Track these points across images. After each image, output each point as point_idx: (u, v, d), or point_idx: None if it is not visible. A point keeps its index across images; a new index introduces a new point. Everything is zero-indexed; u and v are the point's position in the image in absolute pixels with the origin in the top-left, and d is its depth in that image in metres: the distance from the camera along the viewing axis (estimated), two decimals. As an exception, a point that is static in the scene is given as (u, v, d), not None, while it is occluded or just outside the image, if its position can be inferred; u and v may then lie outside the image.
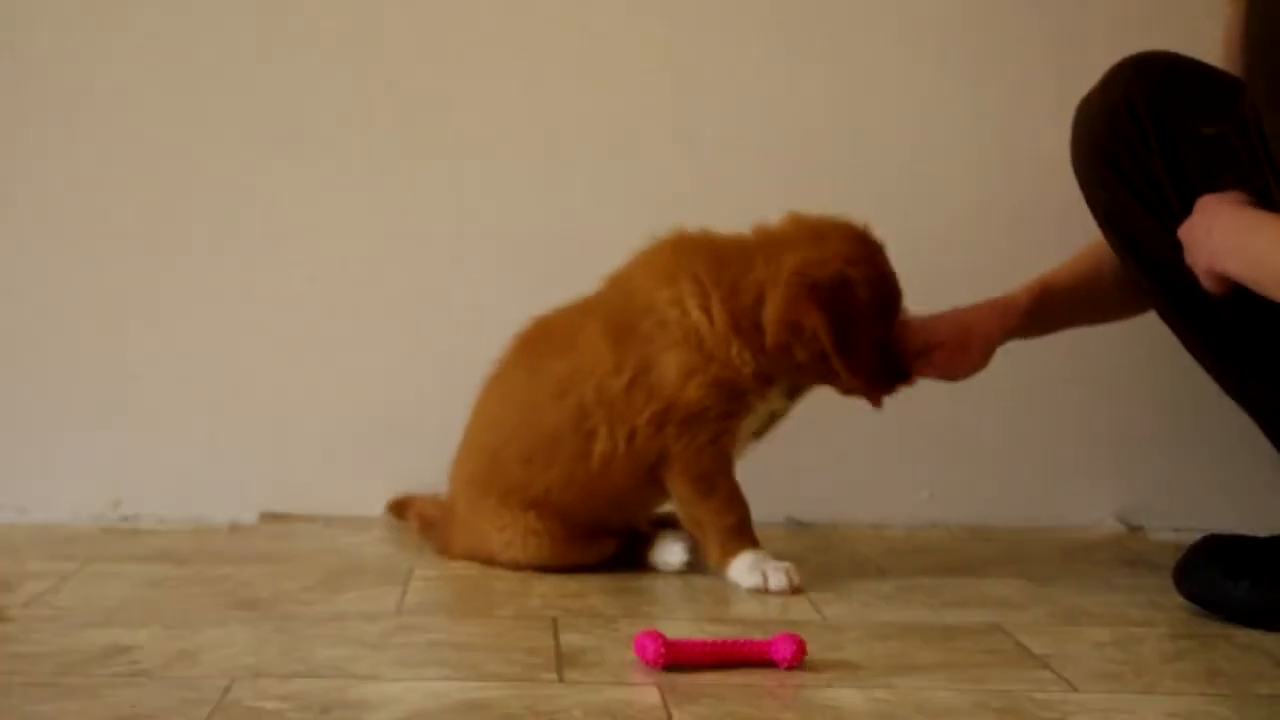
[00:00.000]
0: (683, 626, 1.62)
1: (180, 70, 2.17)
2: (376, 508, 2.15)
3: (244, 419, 2.20)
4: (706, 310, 1.85)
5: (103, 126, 2.17)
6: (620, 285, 1.92)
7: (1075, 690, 1.44)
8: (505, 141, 2.21)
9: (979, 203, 2.24)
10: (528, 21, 2.21)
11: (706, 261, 1.87)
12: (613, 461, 1.87)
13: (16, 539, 2.03)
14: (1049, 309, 1.92)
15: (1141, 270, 1.80)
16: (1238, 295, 1.70)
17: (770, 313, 1.83)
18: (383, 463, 2.17)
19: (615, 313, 1.89)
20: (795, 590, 1.80)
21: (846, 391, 1.90)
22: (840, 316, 1.81)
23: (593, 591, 1.79)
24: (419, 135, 2.20)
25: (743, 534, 1.85)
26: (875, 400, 1.91)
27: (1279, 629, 1.66)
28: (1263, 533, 1.76)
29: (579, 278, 2.12)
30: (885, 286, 1.87)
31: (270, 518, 2.17)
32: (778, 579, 1.80)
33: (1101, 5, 2.23)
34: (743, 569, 1.82)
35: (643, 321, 1.87)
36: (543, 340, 1.95)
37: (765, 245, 1.87)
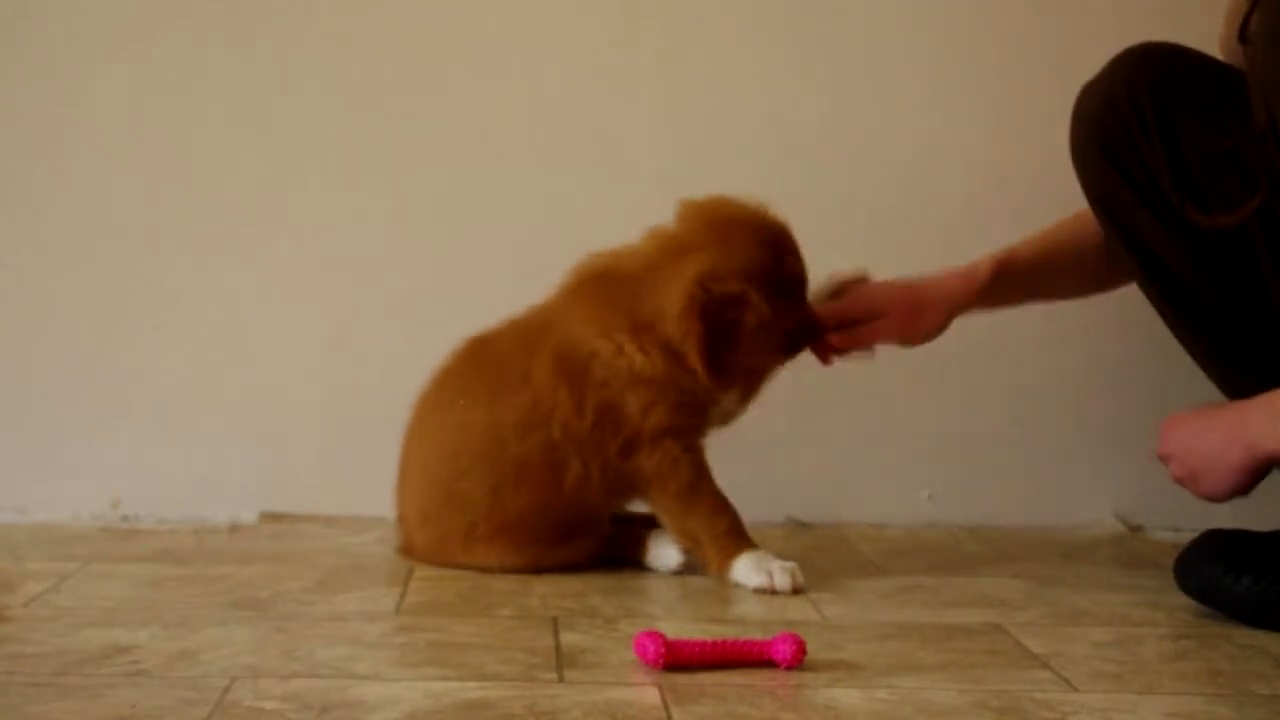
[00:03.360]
0: (683, 626, 1.62)
1: (181, 72, 2.18)
2: (377, 508, 2.14)
3: (244, 419, 2.20)
4: (645, 352, 1.85)
5: (103, 127, 2.18)
6: (559, 325, 1.91)
7: (1075, 690, 1.44)
8: (505, 143, 2.21)
9: (977, 201, 2.24)
10: (525, 22, 2.21)
11: (629, 301, 1.87)
12: (586, 486, 1.87)
13: (16, 539, 2.03)
14: (1012, 281, 1.93)
15: (1135, 260, 1.80)
16: (1229, 289, 1.71)
17: (669, 324, 1.83)
18: (383, 463, 2.16)
19: (564, 352, 1.88)
20: (798, 590, 1.80)
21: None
22: (717, 336, 1.81)
23: (593, 591, 1.79)
24: (420, 136, 2.20)
25: (738, 536, 1.85)
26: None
27: (1278, 627, 1.66)
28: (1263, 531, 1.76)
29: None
30: (789, 281, 1.86)
31: (270, 518, 2.17)
32: (783, 579, 1.80)
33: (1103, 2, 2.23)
34: (747, 569, 1.82)
35: (592, 365, 1.87)
36: (493, 368, 1.93)
37: (668, 255, 1.87)
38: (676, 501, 1.86)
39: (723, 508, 1.86)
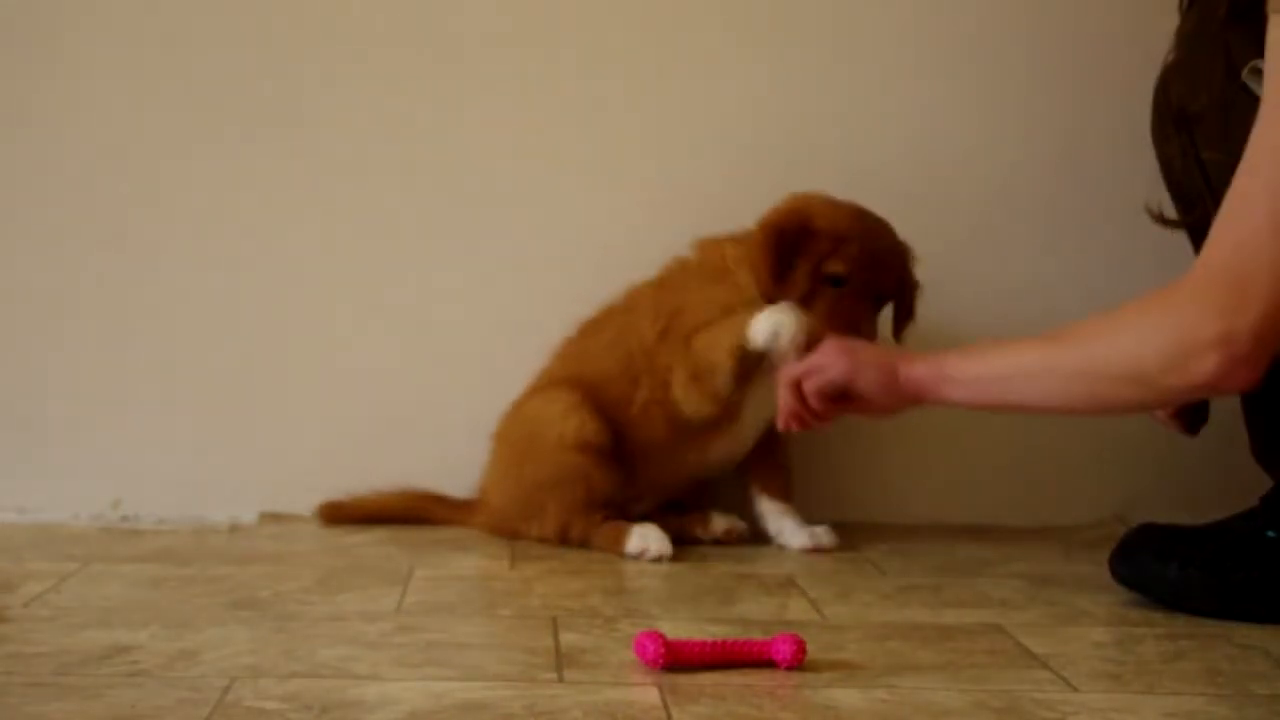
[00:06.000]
0: (683, 626, 1.62)
1: (182, 67, 2.17)
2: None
3: (244, 419, 2.20)
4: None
5: (105, 128, 2.17)
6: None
7: (1075, 690, 1.45)
8: (505, 144, 2.21)
9: (969, 202, 2.24)
10: (531, 24, 2.21)
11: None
12: (650, 413, 2.04)
13: (16, 539, 2.03)
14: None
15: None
16: None
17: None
18: (383, 463, 2.17)
19: (660, 279, 2.10)
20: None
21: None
22: (780, 253, 1.95)
23: (593, 591, 1.80)
24: (419, 137, 2.20)
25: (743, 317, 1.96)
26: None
27: (1202, 611, 1.72)
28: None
29: (578, 279, 2.13)
30: (865, 239, 1.96)
31: (270, 518, 2.16)
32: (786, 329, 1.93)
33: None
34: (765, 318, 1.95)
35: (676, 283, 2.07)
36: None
37: None
38: (694, 348, 1.99)
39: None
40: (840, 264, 1.95)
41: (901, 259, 2.01)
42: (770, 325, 1.91)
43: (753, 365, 1.96)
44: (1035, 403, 1.75)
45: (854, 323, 1.94)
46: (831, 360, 1.83)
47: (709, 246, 2.05)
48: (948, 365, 1.79)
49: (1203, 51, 1.71)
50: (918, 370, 1.80)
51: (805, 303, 1.95)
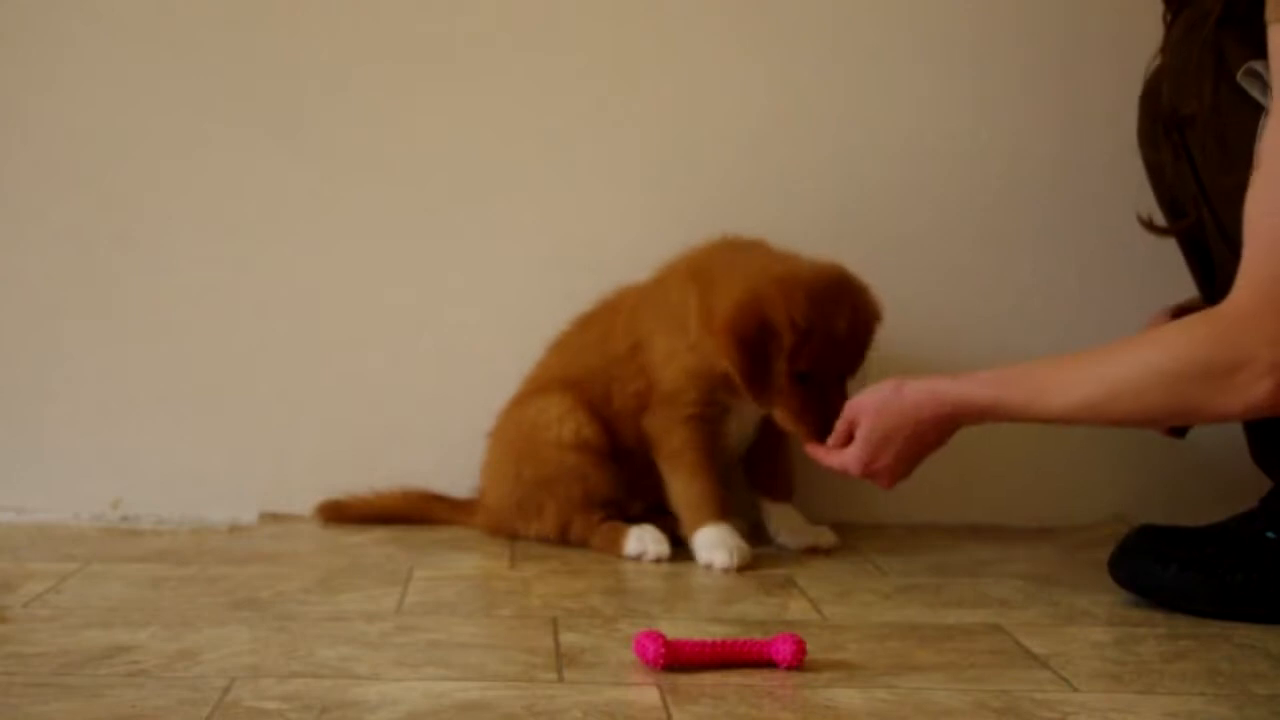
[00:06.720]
0: (683, 626, 1.62)
1: (182, 67, 2.17)
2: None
3: (244, 419, 2.20)
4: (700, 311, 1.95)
5: (104, 127, 2.17)
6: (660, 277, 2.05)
7: (1075, 690, 1.45)
8: (505, 144, 2.21)
9: (966, 202, 2.24)
10: (531, 24, 2.20)
11: (720, 269, 1.96)
12: (623, 420, 2.02)
13: (16, 539, 2.03)
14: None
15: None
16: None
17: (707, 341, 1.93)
18: (383, 463, 2.17)
19: (645, 293, 2.05)
20: (743, 567, 1.90)
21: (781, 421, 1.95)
22: (753, 358, 1.88)
23: (593, 591, 1.80)
24: (420, 137, 2.20)
25: (704, 509, 1.94)
26: (804, 438, 1.92)
27: (1202, 612, 1.72)
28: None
29: (578, 279, 2.13)
30: (824, 329, 1.89)
31: (270, 518, 2.17)
32: (723, 556, 1.90)
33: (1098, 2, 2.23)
34: (702, 543, 1.93)
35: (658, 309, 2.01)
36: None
37: (744, 268, 1.94)
38: (663, 465, 1.98)
39: (698, 478, 1.96)
40: (804, 362, 1.89)
41: (865, 331, 1.94)
42: (707, 555, 1.92)
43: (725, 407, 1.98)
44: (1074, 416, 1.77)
45: (825, 414, 1.90)
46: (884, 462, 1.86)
47: (677, 271, 2.00)
48: (1010, 395, 1.80)
49: (1194, 55, 1.71)
50: (974, 399, 1.82)
51: (777, 398, 1.91)
